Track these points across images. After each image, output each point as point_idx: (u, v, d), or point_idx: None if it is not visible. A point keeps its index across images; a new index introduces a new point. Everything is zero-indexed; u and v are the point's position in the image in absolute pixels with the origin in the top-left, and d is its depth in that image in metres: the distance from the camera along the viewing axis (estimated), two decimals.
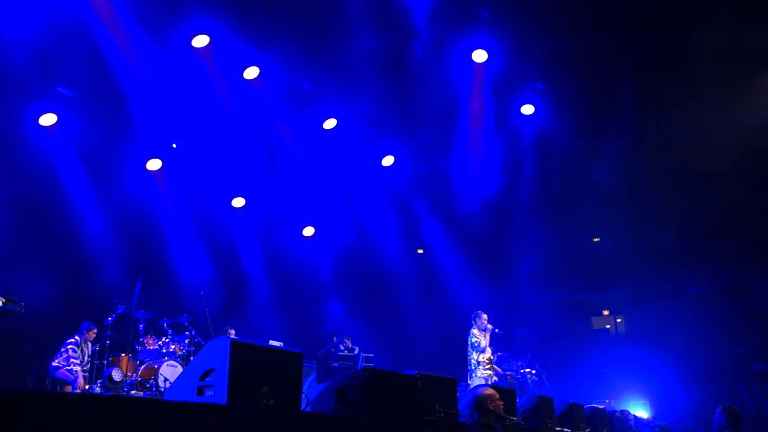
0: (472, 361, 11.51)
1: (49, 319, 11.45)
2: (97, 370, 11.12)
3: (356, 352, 14.53)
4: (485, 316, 11.78)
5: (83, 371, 10.65)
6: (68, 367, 10.33)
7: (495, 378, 11.75)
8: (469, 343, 11.62)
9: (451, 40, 13.78)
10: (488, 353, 11.60)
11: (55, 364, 10.40)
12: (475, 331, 11.63)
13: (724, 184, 15.94)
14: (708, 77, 13.74)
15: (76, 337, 10.67)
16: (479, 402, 6.16)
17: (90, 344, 10.92)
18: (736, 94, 14.41)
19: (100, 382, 10.84)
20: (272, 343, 12.18)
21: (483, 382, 10.88)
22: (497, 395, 6.25)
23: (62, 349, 10.49)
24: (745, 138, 15.03)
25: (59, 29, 10.83)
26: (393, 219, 17.46)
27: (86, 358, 10.80)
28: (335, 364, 14.36)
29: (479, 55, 13.95)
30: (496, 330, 11.74)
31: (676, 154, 16.11)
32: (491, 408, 6.11)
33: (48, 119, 12.32)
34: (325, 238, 17.61)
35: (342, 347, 14.67)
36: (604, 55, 14.18)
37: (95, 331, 10.93)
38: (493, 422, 6.10)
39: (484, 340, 11.57)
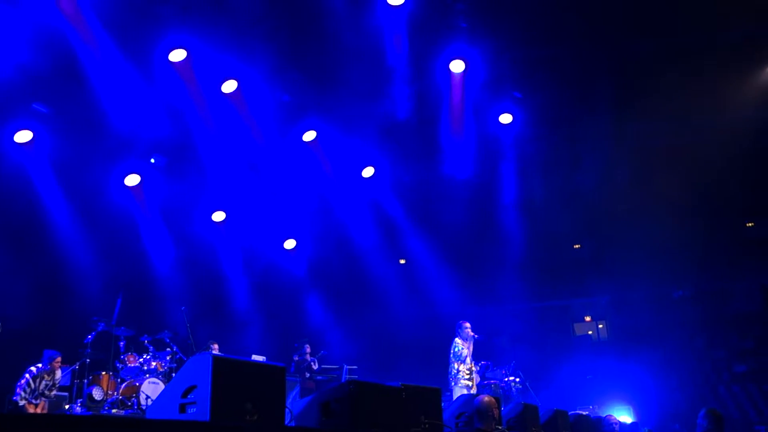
0: (453, 371, 11.44)
1: (28, 339, 11.26)
2: (77, 389, 10.94)
3: (316, 366, 14.36)
4: (468, 325, 11.76)
5: (44, 396, 10.36)
6: (14, 397, 10.08)
7: (474, 389, 11.66)
8: (452, 352, 11.58)
9: (430, 50, 13.86)
10: (469, 363, 11.55)
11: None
12: (458, 340, 11.59)
13: (703, 188, 16.13)
14: (686, 82, 13.92)
15: (37, 366, 10.25)
16: (482, 409, 6.34)
17: (59, 372, 10.53)
18: (715, 98, 14.60)
19: (80, 401, 10.66)
20: (255, 357, 12.10)
21: (465, 392, 10.84)
22: (496, 403, 6.42)
23: (21, 377, 10.25)
24: (724, 142, 15.24)
25: (35, 45, 10.75)
26: (374, 230, 17.46)
27: (50, 385, 10.36)
28: (319, 377, 14.28)
29: (457, 65, 14.04)
30: (476, 336, 11.71)
31: (656, 159, 16.29)
32: (494, 416, 6.30)
33: (23, 136, 12.17)
34: (307, 251, 17.56)
35: (296, 356, 14.51)
36: (581, 62, 14.32)
37: (59, 359, 10.45)
38: (494, 428, 6.26)
39: (466, 350, 11.56)
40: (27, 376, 10.18)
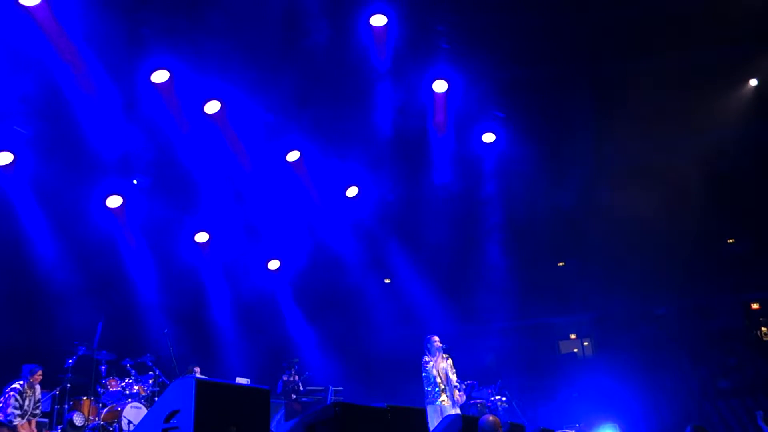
0: (426, 389, 11.02)
1: (6, 364, 11.05)
2: (57, 415, 10.74)
3: (303, 387, 14.17)
4: (436, 338, 11.20)
5: (32, 415, 10.17)
6: (8, 417, 9.87)
7: (451, 410, 11.24)
8: (423, 370, 11.16)
9: (413, 71, 13.97)
10: (440, 382, 11.02)
11: None
12: (426, 357, 11.11)
13: (684, 205, 16.30)
14: (665, 102, 14.12)
15: (20, 383, 10.04)
16: (487, 428, 6.45)
17: (38, 387, 10.32)
18: (694, 117, 14.80)
19: (61, 427, 10.47)
20: (239, 380, 11.97)
21: (439, 411, 10.49)
22: (500, 422, 6.60)
23: (2, 397, 10.01)
24: (704, 160, 15.44)
25: (16, 66, 10.70)
26: (358, 249, 17.42)
27: (33, 403, 10.15)
28: (304, 399, 14.12)
29: (440, 86, 14.15)
30: (443, 346, 11.15)
31: (637, 176, 16.45)
32: None
33: (4, 158, 12.07)
34: (291, 272, 17.47)
35: (285, 376, 14.31)
36: (561, 82, 14.50)
37: (41, 372, 10.28)
38: None
39: (433, 363, 11.00)
40: (12, 393, 9.93)
